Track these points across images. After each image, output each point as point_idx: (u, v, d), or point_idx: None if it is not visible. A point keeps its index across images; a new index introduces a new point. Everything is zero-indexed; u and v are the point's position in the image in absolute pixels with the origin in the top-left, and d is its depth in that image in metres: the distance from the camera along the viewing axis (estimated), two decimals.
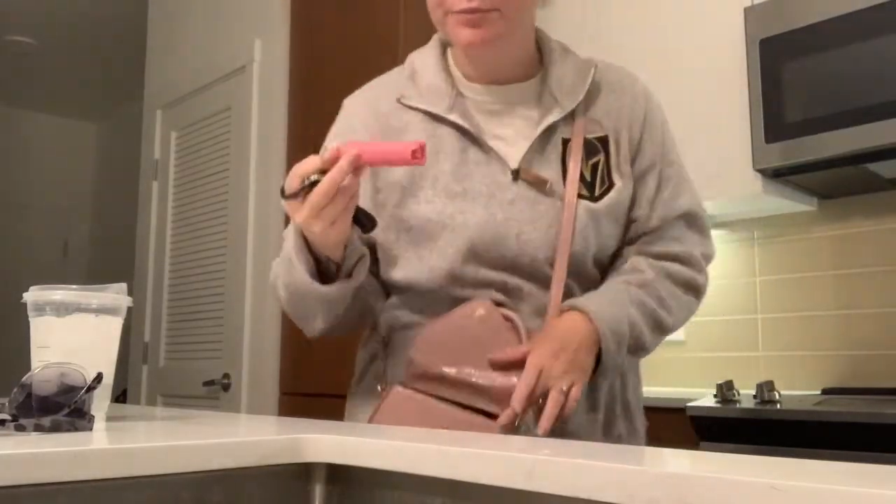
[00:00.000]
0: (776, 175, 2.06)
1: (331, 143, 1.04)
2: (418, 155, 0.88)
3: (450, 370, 0.95)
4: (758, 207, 2.31)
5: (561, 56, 1.08)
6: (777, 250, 2.37)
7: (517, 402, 0.90)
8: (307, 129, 2.88)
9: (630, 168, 1.06)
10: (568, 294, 1.02)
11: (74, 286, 0.94)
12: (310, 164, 0.89)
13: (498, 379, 0.94)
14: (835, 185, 2.14)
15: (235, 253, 3.04)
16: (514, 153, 1.03)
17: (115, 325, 0.97)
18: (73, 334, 0.93)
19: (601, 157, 1.04)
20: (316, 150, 0.91)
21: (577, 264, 1.01)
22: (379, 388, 1.03)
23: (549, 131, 1.03)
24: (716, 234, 2.50)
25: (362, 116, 1.10)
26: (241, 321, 2.95)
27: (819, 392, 2.18)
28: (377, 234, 1.03)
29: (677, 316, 1.06)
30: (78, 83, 5.35)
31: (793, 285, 2.32)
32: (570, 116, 1.04)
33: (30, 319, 0.95)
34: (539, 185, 1.00)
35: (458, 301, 1.00)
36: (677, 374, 2.53)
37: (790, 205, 2.25)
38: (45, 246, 5.81)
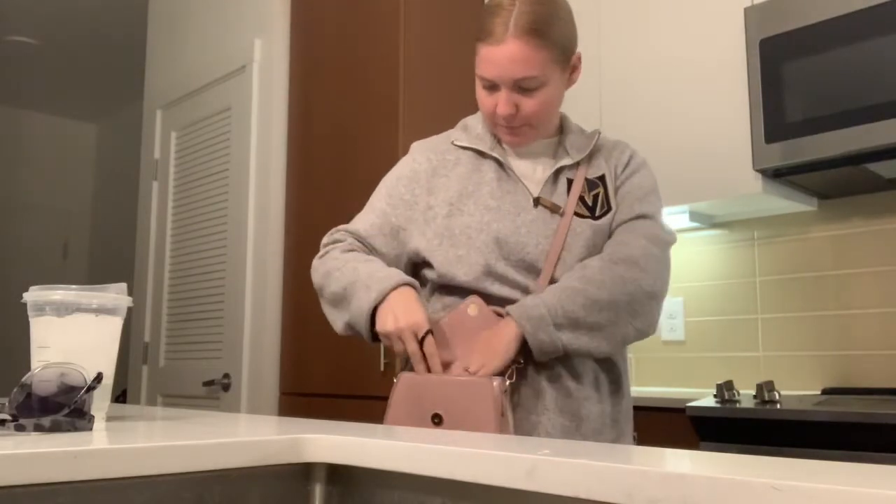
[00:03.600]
0: (776, 175, 2.06)
1: (395, 179, 1.38)
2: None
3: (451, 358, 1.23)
4: (758, 207, 2.31)
5: (576, 130, 1.40)
6: (777, 250, 2.37)
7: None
8: (307, 129, 2.88)
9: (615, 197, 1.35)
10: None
11: (74, 286, 0.94)
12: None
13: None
14: (835, 185, 2.14)
15: (235, 253, 3.04)
16: (534, 187, 1.33)
17: (115, 325, 0.97)
18: (73, 334, 0.93)
19: (601, 189, 1.34)
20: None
21: (570, 266, 1.26)
22: (395, 380, 1.25)
23: (559, 172, 1.34)
24: (716, 234, 2.50)
25: (425, 153, 1.39)
26: (241, 321, 2.95)
27: (819, 392, 2.18)
28: (423, 244, 1.31)
29: (611, 289, 1.22)
30: (78, 83, 5.35)
31: (793, 285, 2.32)
32: (576, 165, 1.35)
33: (30, 319, 0.95)
34: (554, 209, 1.30)
35: (488, 298, 1.25)
36: (677, 374, 2.53)
37: (790, 205, 2.25)
38: (45, 246, 5.81)
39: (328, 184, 2.74)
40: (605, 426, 1.26)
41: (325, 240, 1.40)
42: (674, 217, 2.40)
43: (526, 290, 1.26)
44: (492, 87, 1.26)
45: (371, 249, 1.36)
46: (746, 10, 2.08)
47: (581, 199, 1.31)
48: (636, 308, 1.23)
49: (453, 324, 1.24)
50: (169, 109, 3.59)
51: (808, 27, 1.95)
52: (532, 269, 1.26)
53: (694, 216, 2.40)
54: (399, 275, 1.24)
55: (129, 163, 5.53)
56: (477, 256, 1.26)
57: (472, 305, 1.23)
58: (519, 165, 1.35)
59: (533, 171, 1.35)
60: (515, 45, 1.21)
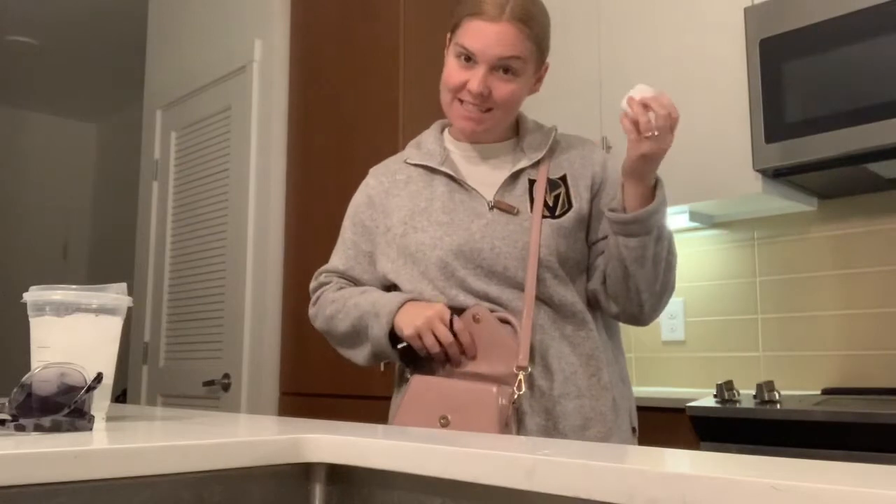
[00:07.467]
0: (776, 175, 2.06)
1: (354, 209, 1.42)
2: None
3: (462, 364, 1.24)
4: (758, 207, 2.31)
5: (532, 129, 1.39)
6: (777, 250, 2.37)
7: (631, 112, 1.15)
8: (307, 129, 2.88)
9: (589, 195, 1.33)
10: (542, 288, 1.26)
11: (74, 286, 0.94)
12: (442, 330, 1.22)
13: (496, 367, 1.21)
14: (835, 185, 2.14)
15: (235, 253, 3.04)
16: (490, 191, 1.32)
17: (115, 325, 0.97)
18: (73, 334, 0.93)
19: (562, 189, 1.32)
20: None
21: (547, 267, 1.26)
22: (407, 375, 1.28)
23: (518, 174, 1.32)
24: (716, 234, 2.50)
25: (377, 177, 1.42)
26: (241, 321, 2.95)
27: (819, 392, 2.18)
28: (388, 266, 1.33)
29: (667, 275, 1.25)
30: (78, 83, 5.35)
31: (793, 285, 2.32)
32: (536, 165, 1.33)
33: (30, 319, 0.95)
34: (510, 210, 1.28)
35: (454, 309, 1.24)
36: (677, 374, 2.53)
37: (790, 205, 2.25)
38: (45, 246, 5.81)
39: (328, 184, 2.74)
40: (589, 421, 1.23)
41: (312, 285, 1.43)
42: (674, 217, 2.40)
43: (487, 298, 1.25)
44: (469, 60, 1.26)
45: (355, 282, 1.39)
46: (746, 10, 2.08)
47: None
48: (663, 291, 1.27)
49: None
50: (169, 109, 3.59)
51: (808, 27, 1.95)
52: (492, 273, 1.26)
53: (694, 216, 2.40)
54: (400, 295, 1.28)
55: (129, 163, 5.53)
56: (435, 272, 1.27)
57: (479, 313, 1.23)
58: (473, 173, 1.34)
59: (489, 177, 1.34)
60: (508, 27, 1.24)
